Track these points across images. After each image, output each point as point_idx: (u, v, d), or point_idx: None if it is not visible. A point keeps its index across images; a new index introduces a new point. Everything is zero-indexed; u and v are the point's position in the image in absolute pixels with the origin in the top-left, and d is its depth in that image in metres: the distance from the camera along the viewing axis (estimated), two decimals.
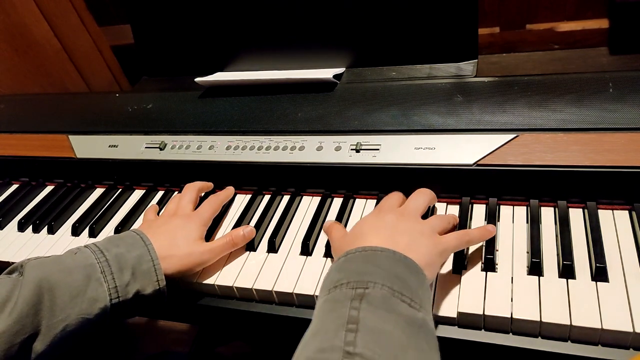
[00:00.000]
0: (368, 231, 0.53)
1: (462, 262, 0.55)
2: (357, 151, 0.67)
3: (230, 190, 0.73)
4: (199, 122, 0.79)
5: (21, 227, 0.78)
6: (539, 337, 0.49)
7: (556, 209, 0.60)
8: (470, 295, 0.52)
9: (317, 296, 0.56)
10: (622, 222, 0.57)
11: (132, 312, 0.56)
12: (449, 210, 0.64)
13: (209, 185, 0.74)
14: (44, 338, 0.50)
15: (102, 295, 0.53)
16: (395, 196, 0.61)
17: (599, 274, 0.51)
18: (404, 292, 0.43)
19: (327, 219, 0.67)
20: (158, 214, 0.72)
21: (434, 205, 0.65)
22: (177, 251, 0.59)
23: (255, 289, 0.59)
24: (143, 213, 0.72)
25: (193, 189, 0.70)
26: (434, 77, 0.74)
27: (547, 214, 0.60)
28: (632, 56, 0.87)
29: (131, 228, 0.65)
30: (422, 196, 0.59)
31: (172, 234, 0.61)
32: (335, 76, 0.76)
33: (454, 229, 0.59)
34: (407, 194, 0.66)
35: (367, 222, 0.55)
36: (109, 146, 0.81)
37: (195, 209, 0.67)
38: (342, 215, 0.65)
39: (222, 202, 0.69)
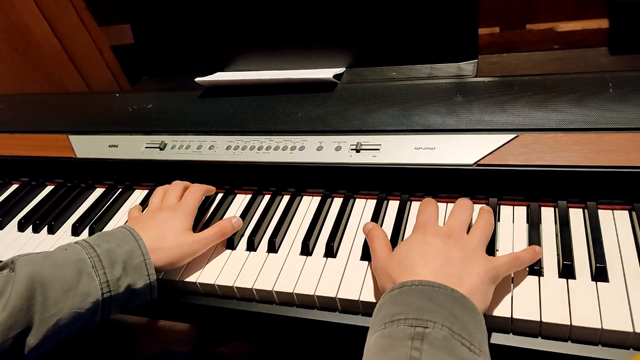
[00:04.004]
0: (417, 259, 0.50)
1: None
2: (357, 151, 0.67)
3: (211, 186, 0.73)
4: (199, 122, 0.79)
5: (21, 227, 0.78)
6: (539, 337, 0.49)
7: (556, 209, 0.60)
8: None
9: (317, 296, 0.56)
10: (622, 222, 0.57)
11: (124, 306, 0.57)
12: (449, 210, 0.63)
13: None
14: (36, 332, 0.51)
15: (94, 290, 0.53)
16: (433, 208, 0.57)
17: (599, 274, 0.51)
18: (463, 334, 0.41)
19: (327, 219, 0.67)
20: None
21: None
22: (167, 243, 0.60)
23: (255, 289, 0.59)
24: (128, 211, 0.72)
25: (179, 185, 0.70)
26: (434, 77, 0.74)
27: (547, 214, 0.60)
28: (632, 56, 0.87)
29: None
30: (465, 211, 0.56)
31: (160, 227, 0.61)
32: (335, 76, 0.76)
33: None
34: (407, 193, 0.67)
35: (414, 246, 0.52)
36: (109, 146, 0.81)
37: None
38: (342, 216, 0.65)
39: (204, 193, 0.70)
